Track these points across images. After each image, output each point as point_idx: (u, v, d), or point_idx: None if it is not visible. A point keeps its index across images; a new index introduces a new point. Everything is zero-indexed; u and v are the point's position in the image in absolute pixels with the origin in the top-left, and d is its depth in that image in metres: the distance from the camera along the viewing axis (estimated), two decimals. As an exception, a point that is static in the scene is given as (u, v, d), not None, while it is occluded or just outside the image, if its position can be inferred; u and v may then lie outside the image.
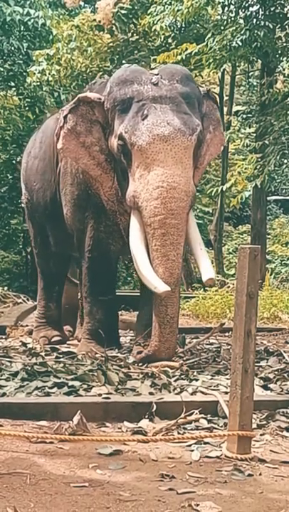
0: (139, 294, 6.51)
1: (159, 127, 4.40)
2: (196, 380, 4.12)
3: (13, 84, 12.68)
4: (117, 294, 5.97)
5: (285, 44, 9.66)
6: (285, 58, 10.07)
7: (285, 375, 4.36)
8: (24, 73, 12.09)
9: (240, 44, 8.96)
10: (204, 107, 4.95)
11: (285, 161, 11.76)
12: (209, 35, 9.34)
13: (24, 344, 5.52)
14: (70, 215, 5.23)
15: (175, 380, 4.10)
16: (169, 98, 4.54)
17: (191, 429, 3.32)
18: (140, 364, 4.52)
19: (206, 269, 4.51)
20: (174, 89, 4.58)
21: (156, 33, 10.48)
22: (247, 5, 9.55)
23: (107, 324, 5.10)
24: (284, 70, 10.91)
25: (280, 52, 9.73)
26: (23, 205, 6.40)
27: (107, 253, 5.10)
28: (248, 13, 9.48)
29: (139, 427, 3.33)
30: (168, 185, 4.36)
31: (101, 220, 5.04)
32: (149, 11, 10.32)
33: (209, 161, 5.37)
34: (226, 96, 12.98)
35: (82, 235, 5.14)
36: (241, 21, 9.42)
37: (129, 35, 11.69)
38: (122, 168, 4.68)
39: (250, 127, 12.56)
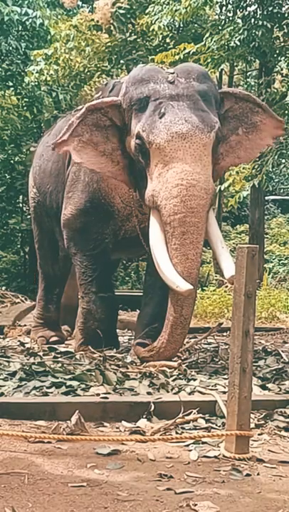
0: (137, 293, 6.49)
1: (177, 125, 4.33)
2: (194, 379, 4.12)
3: (11, 84, 12.66)
4: (116, 293, 5.96)
5: (282, 44, 9.67)
6: (283, 58, 10.09)
7: (283, 374, 4.37)
8: (22, 73, 12.09)
9: (238, 44, 8.96)
10: (236, 107, 4.83)
11: (283, 160, 11.76)
12: (207, 34, 9.35)
13: (22, 344, 5.53)
14: (71, 217, 5.15)
15: (173, 380, 4.10)
16: (186, 96, 4.46)
17: (189, 429, 3.32)
18: (138, 363, 4.52)
19: (228, 267, 4.34)
20: (191, 87, 4.51)
21: (154, 32, 10.48)
22: (245, 5, 9.57)
23: (108, 323, 5.07)
24: (282, 69, 10.93)
25: (277, 51, 9.74)
26: (30, 208, 6.37)
27: (106, 250, 5.08)
28: (246, 13, 9.49)
29: (137, 427, 3.33)
30: (187, 183, 4.27)
31: (108, 224, 5.03)
32: (147, 11, 10.34)
33: (234, 164, 5.21)
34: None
35: (79, 235, 5.11)
36: (239, 21, 9.44)
37: (127, 34, 11.70)
38: (139, 168, 4.59)
39: (248, 127, 12.56)
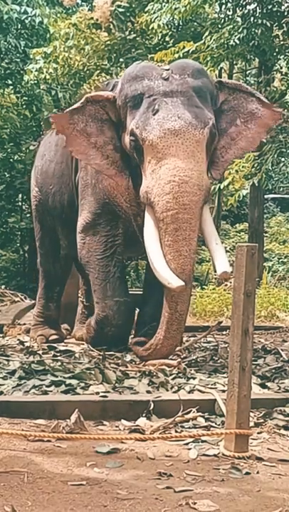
0: (136, 292, 6.47)
1: (169, 121, 4.33)
2: (194, 378, 4.12)
3: (10, 82, 12.65)
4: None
5: (282, 42, 9.67)
6: (282, 56, 10.10)
7: (283, 373, 4.37)
8: (21, 71, 12.07)
9: (238, 42, 8.96)
10: (230, 99, 4.79)
11: (283, 159, 11.78)
12: (207, 33, 9.34)
13: (22, 342, 5.52)
14: (86, 223, 5.09)
15: (172, 379, 4.10)
16: (180, 92, 4.45)
17: (189, 428, 3.32)
18: (137, 362, 4.52)
19: (221, 263, 4.36)
20: (185, 83, 4.50)
21: (154, 31, 10.48)
22: (244, 3, 9.57)
23: (124, 329, 4.99)
24: (281, 68, 10.94)
25: (277, 50, 9.74)
26: (32, 206, 6.35)
27: (118, 253, 5.04)
28: (246, 12, 9.50)
29: (137, 426, 3.33)
30: (180, 179, 4.27)
31: (118, 226, 5.01)
32: (146, 9, 10.32)
33: (239, 156, 5.15)
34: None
35: (92, 239, 5.04)
36: (239, 19, 9.44)
37: (127, 33, 11.68)
38: (134, 165, 4.61)
39: (247, 125, 12.58)
